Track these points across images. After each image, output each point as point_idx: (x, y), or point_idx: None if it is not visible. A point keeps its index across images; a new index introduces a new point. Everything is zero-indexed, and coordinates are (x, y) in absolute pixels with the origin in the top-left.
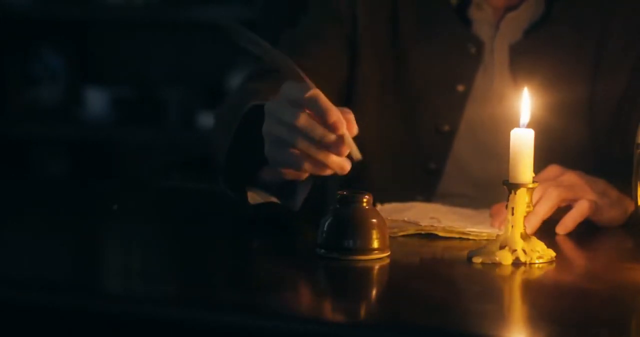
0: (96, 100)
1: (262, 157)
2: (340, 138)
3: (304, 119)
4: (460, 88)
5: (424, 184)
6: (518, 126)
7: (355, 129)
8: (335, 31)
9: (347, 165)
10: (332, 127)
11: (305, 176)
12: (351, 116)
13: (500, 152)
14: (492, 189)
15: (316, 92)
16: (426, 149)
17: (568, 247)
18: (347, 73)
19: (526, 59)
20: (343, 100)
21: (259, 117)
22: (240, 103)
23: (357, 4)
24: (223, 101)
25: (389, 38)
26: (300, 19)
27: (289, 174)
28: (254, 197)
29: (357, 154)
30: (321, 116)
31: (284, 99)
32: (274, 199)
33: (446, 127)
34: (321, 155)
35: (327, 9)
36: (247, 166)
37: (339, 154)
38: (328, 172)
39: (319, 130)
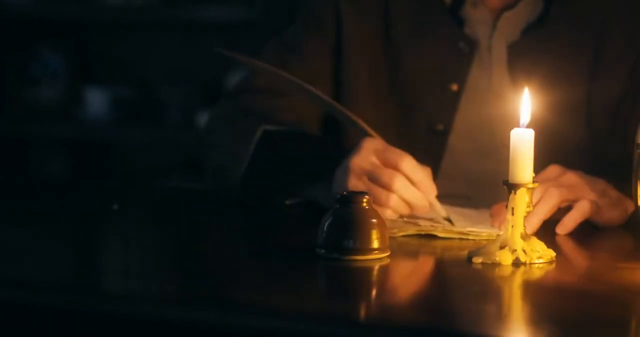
0: (96, 100)
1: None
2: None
3: (400, 183)
4: (454, 87)
5: None
6: (516, 125)
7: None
8: (317, 44)
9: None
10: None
11: None
12: (429, 171)
13: (498, 152)
14: (490, 188)
15: (410, 159)
16: (420, 149)
17: (568, 247)
18: (330, 83)
19: (524, 58)
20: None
21: (266, 138)
22: (246, 127)
23: (344, 12)
24: (217, 113)
25: (381, 39)
26: (290, 25)
27: None
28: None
29: (443, 213)
30: (415, 184)
31: (373, 157)
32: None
33: (440, 127)
34: (408, 211)
35: (310, 20)
36: (262, 183)
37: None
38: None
39: (414, 197)
